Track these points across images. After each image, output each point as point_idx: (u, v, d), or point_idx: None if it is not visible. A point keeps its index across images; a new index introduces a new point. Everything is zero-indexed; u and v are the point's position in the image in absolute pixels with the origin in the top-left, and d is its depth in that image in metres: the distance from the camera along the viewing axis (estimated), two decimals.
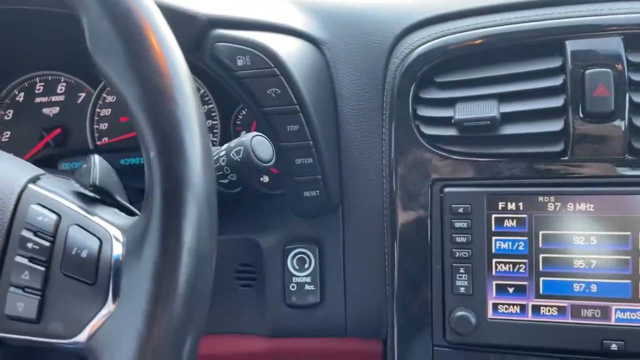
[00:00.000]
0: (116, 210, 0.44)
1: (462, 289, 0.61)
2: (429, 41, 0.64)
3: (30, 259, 0.39)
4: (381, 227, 0.67)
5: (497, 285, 0.61)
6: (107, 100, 0.85)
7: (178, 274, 0.35)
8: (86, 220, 0.41)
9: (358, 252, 0.68)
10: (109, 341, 0.37)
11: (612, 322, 0.58)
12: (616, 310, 0.58)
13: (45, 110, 0.86)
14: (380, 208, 0.67)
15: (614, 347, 0.58)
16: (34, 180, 0.43)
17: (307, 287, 0.69)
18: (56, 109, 0.86)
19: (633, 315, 0.58)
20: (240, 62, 0.62)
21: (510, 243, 0.60)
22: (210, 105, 0.83)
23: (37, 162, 0.60)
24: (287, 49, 0.65)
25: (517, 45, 0.62)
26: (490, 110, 0.60)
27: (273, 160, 0.51)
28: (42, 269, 0.38)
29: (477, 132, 0.61)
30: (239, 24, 0.64)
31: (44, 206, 0.41)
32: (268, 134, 0.62)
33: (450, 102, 0.63)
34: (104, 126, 0.85)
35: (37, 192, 0.42)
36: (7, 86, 0.86)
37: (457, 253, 0.61)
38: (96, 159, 0.45)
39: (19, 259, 0.39)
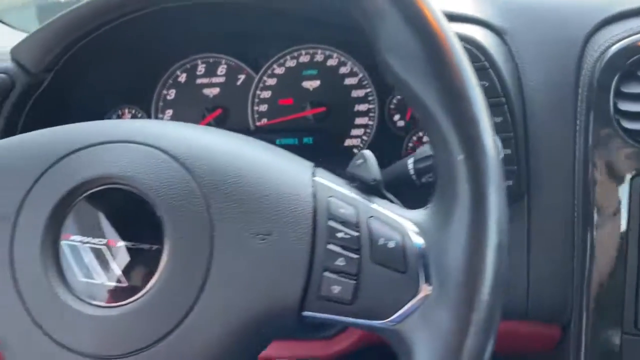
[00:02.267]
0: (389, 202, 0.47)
1: None
2: (634, 34, 0.64)
3: (343, 247, 0.41)
4: (570, 215, 0.68)
5: None
6: (267, 83, 0.87)
7: (486, 267, 0.38)
8: (379, 213, 0.43)
9: (543, 237, 0.69)
10: (422, 324, 0.39)
11: None
12: None
13: (206, 91, 0.89)
14: (569, 196, 0.68)
15: None
16: (313, 173, 0.46)
17: None
18: (216, 90, 0.89)
19: None
20: None
21: None
22: (368, 90, 0.84)
23: None
24: (485, 40, 0.65)
25: None
26: None
27: None
28: (356, 256, 0.41)
29: None
30: None
31: (339, 199, 0.43)
32: None
33: None
34: (263, 108, 0.88)
35: (324, 184, 0.44)
36: (170, 68, 0.89)
37: None
38: (368, 154, 0.47)
39: (331, 247, 0.41)
